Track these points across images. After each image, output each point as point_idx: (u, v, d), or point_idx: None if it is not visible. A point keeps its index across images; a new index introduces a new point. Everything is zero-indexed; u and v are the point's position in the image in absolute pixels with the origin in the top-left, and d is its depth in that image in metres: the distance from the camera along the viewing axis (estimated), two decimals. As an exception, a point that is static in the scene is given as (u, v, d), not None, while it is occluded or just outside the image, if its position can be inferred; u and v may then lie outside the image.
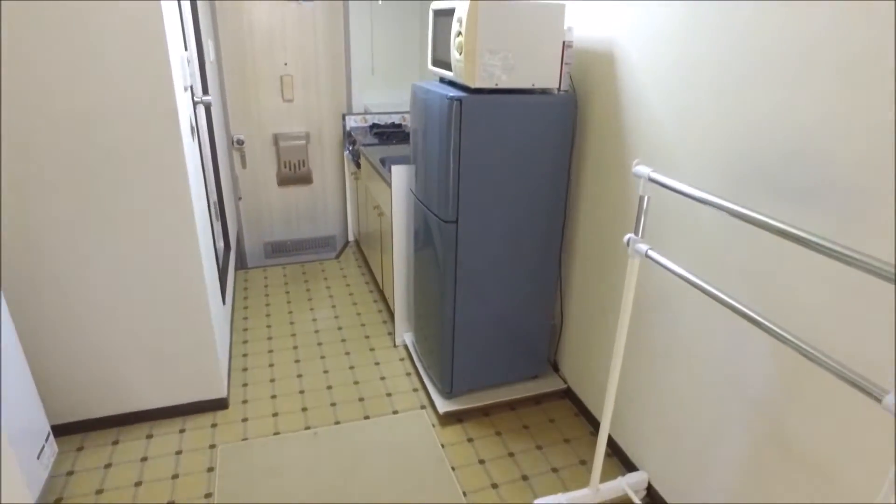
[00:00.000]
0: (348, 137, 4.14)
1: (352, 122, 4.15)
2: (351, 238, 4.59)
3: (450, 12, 2.19)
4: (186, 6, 2.97)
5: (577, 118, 2.40)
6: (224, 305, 2.96)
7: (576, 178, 2.49)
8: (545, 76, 2.18)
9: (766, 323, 1.26)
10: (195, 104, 2.64)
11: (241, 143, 4.31)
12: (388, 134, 3.90)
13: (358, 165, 3.82)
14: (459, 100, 2.09)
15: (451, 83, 2.36)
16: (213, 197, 3.45)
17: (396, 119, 4.23)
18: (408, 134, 3.91)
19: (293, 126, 4.42)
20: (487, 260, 2.39)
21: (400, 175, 2.79)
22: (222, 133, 4.01)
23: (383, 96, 4.49)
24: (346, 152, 4.18)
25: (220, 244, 3.53)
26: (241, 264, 4.52)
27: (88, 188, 2.08)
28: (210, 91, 3.43)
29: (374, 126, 4.11)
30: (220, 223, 3.53)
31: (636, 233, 1.70)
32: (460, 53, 2.11)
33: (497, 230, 2.35)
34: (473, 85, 2.10)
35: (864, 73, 1.25)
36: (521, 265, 2.46)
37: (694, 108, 1.78)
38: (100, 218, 2.13)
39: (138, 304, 2.31)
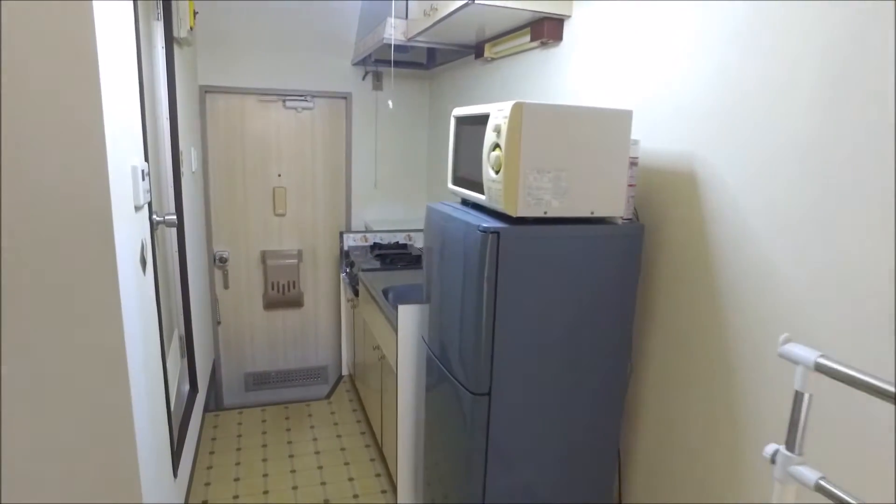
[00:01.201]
0: (346, 258, 3.59)
1: (350, 240, 3.62)
2: (345, 372, 3.92)
3: (482, 120, 1.68)
4: (163, 111, 2.51)
5: (642, 255, 1.84)
6: (176, 480, 2.25)
7: (642, 333, 1.89)
8: (607, 201, 1.64)
9: None
10: (155, 224, 2.09)
11: (223, 260, 3.75)
12: (392, 256, 3.35)
13: (356, 293, 3.24)
14: (496, 232, 1.53)
15: (481, 208, 1.81)
16: (181, 330, 2.83)
17: (401, 238, 3.70)
18: (416, 257, 3.36)
19: (284, 243, 3.88)
20: (529, 438, 1.73)
21: (409, 317, 2.19)
22: (201, 250, 3.46)
23: (387, 212, 3.99)
24: (343, 275, 3.61)
25: (185, 387, 2.87)
26: (215, 403, 3.81)
27: (-21, 345, 1.46)
28: (188, 204, 2.91)
29: (375, 246, 3.57)
30: (185, 360, 2.88)
31: (791, 447, 1.07)
32: (497, 172, 1.57)
33: (544, 401, 1.71)
34: (516, 213, 1.55)
35: None
36: (571, 440, 1.80)
37: (838, 250, 1.21)
38: (-7, 385, 1.49)
39: (44, 493, 1.62)
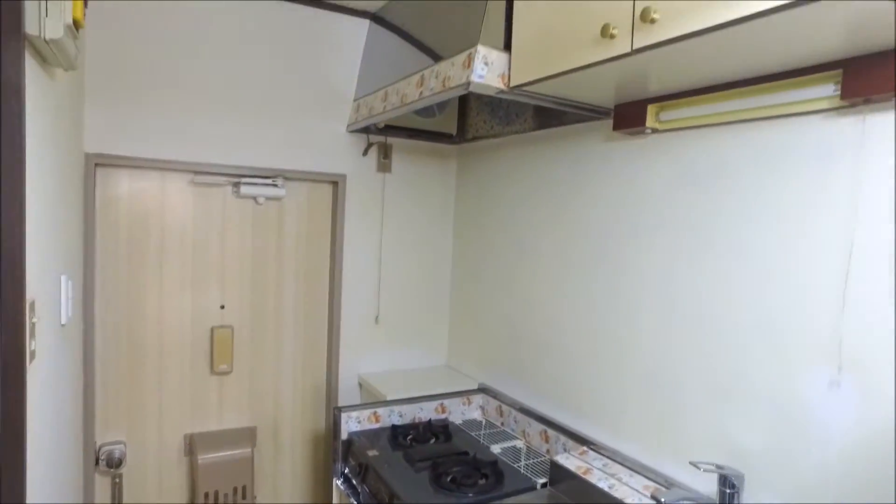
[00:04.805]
0: (350, 455, 2.00)
1: (353, 422, 2.04)
2: None
3: None
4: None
5: None
6: None
7: None
8: None
9: None
10: None
11: (115, 462, 2.02)
12: (446, 464, 1.80)
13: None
14: None
15: None
16: None
17: (431, 410, 2.17)
18: (490, 465, 1.85)
19: (227, 418, 2.22)
20: None
21: None
22: (72, 445, 1.74)
23: (393, 360, 2.46)
24: (338, 481, 2.01)
25: None
26: None
27: None
28: (45, 363, 1.27)
29: (397, 432, 2.02)
30: None
31: None
32: None
33: None
34: None
35: None
36: None
37: None
38: None
39: None
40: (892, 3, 0.85)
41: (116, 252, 1.99)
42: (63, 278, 1.50)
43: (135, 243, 2.02)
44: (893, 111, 1.09)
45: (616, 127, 1.61)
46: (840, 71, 1.11)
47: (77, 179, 1.79)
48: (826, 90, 1.15)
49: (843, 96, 1.11)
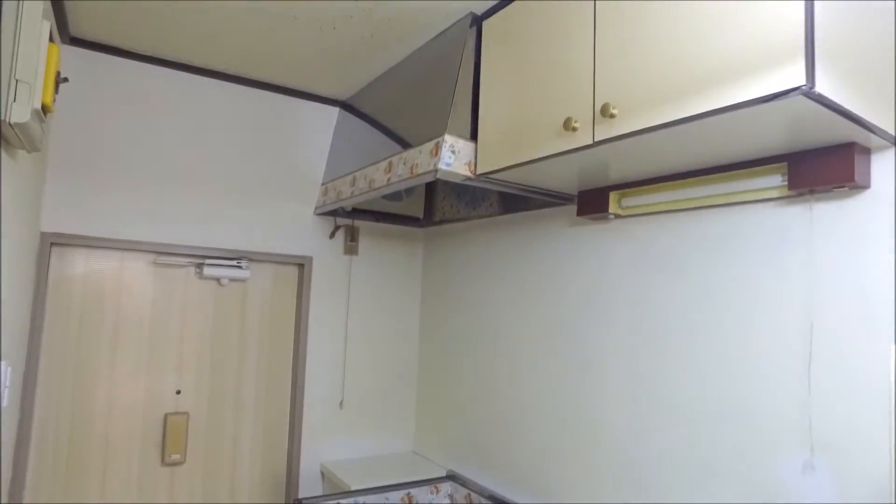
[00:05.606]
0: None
1: (313, 516, 1.91)
2: None
3: None
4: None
5: None
6: None
7: None
8: None
9: None
10: None
11: (46, 568, 1.82)
12: None
13: None
14: None
15: None
16: None
17: (396, 500, 2.06)
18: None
19: (175, 515, 2.05)
20: None
21: None
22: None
23: (358, 448, 2.35)
24: (295, 584, 1.85)
25: None
26: None
27: None
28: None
29: (360, 526, 1.90)
30: None
31: None
32: None
33: None
34: None
35: None
36: None
37: None
38: None
39: None
40: (826, 108, 0.92)
41: (66, 334, 1.89)
42: (3, 364, 1.40)
43: (87, 325, 1.92)
44: (837, 200, 1.15)
45: (580, 213, 1.65)
46: (786, 164, 1.18)
47: (30, 259, 1.71)
48: (774, 181, 1.21)
49: (790, 187, 1.16)
